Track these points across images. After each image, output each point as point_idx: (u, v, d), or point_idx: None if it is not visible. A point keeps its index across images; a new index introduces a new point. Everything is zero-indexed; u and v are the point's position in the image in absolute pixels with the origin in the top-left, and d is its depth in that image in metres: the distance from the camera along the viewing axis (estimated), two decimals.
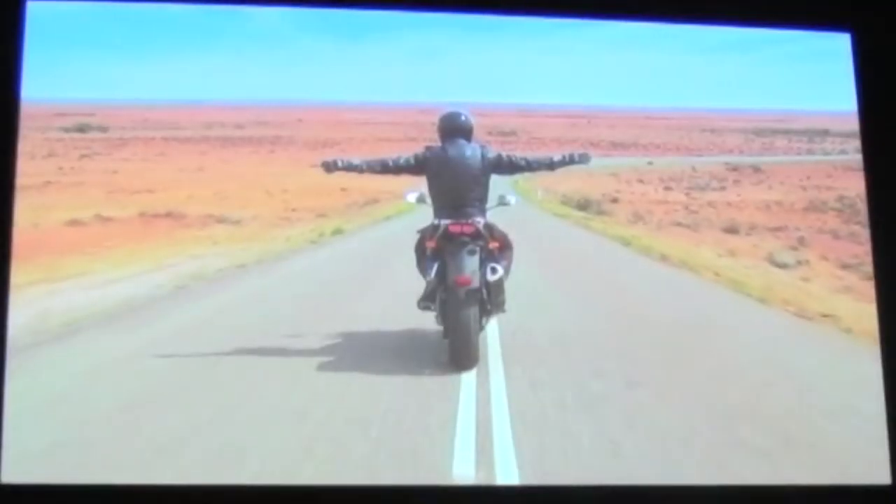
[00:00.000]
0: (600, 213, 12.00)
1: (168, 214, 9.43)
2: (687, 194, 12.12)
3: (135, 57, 8.89)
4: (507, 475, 2.95)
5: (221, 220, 9.70)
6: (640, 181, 12.90)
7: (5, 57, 2.96)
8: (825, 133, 12.79)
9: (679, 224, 10.84)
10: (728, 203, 11.46)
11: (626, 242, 9.62)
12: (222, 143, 12.73)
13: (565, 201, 12.94)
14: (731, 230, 10.04)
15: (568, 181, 12.47)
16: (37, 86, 3.16)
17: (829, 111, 10.86)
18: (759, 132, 13.77)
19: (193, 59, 10.45)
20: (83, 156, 11.16)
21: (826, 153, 12.44)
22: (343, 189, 11.20)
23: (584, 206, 12.40)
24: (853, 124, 3.38)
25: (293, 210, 10.61)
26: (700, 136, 14.05)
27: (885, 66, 3.30)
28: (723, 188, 12.20)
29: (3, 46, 2.97)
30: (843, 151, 11.86)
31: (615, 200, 12.26)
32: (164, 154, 12.10)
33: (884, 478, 3.04)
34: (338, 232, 10.03)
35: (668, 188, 12.53)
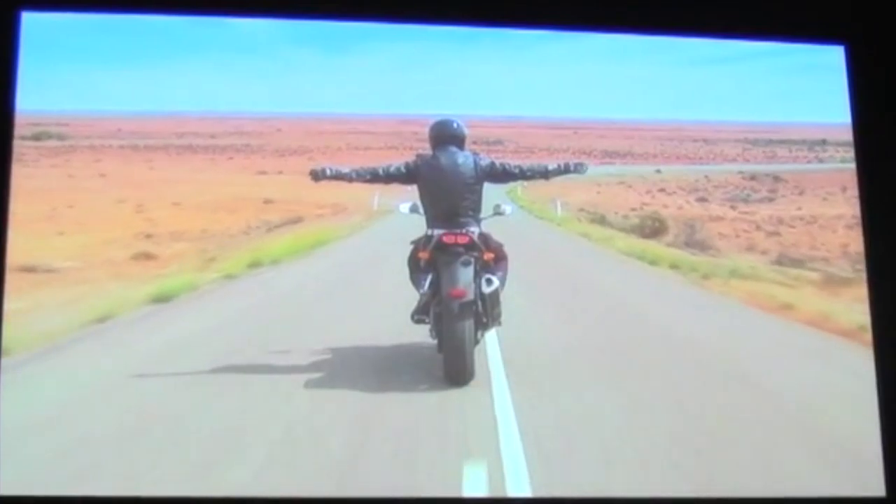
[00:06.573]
0: (694, 244, 9.00)
1: None
2: (732, 207, 10.96)
3: (116, 68, 9.05)
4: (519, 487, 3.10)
5: None
6: (662, 191, 12.19)
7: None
8: (823, 142, 12.76)
9: None
10: (804, 220, 9.99)
11: None
12: (180, 152, 12.29)
13: (595, 219, 10.90)
14: None
15: (577, 192, 11.76)
16: (22, 98, 3.40)
17: (822, 123, 10.14)
18: (753, 142, 13.77)
19: (175, 70, 10.57)
20: None
21: (844, 160, 12.32)
22: (267, 201, 10.40)
23: (655, 230, 9.39)
24: (849, 135, 3.70)
25: (148, 236, 8.81)
26: (694, 146, 13.86)
27: (878, 78, 3.62)
28: (770, 199, 11.07)
29: None
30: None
31: (661, 221, 10.29)
32: (98, 160, 11.45)
33: (878, 490, 3.32)
34: None
35: (702, 199, 11.48)
